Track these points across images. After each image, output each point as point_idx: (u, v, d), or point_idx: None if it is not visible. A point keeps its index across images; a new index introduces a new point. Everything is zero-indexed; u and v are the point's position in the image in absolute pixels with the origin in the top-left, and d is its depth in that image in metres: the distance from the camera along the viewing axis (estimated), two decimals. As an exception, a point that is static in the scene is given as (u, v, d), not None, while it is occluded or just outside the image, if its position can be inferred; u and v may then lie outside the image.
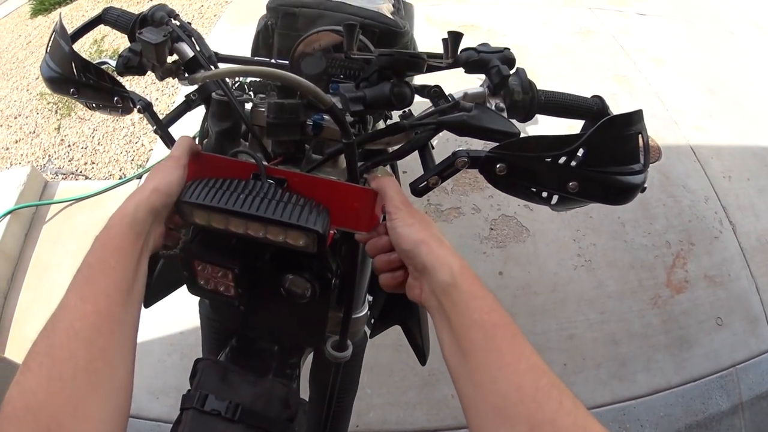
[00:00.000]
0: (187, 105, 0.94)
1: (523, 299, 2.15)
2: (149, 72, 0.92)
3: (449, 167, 0.70)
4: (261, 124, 0.80)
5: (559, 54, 3.14)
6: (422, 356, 1.17)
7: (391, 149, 0.82)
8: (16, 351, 2.16)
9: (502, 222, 2.36)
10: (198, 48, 0.90)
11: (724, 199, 2.57)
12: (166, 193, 0.66)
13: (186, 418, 0.78)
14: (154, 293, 1.03)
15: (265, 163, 0.70)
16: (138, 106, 0.91)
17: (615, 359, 2.05)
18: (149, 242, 0.66)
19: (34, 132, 3.11)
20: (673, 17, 3.62)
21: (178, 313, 2.11)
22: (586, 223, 2.39)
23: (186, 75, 0.91)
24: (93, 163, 2.82)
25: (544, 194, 0.72)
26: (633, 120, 0.67)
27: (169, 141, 0.91)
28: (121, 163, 2.78)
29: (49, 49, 0.93)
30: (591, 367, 2.02)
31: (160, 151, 2.75)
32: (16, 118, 3.26)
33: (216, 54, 0.95)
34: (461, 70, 0.82)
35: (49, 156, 2.92)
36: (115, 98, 0.92)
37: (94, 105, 0.96)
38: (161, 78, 0.91)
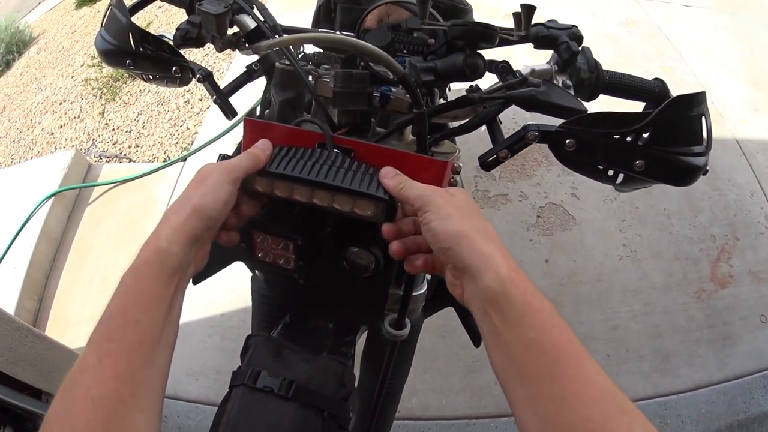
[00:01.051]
0: (249, 75, 0.93)
1: (568, 288, 2.13)
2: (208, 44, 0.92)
3: (519, 141, 0.70)
4: (325, 94, 0.80)
5: (605, 44, 3.10)
6: (477, 338, 1.16)
7: (454, 124, 0.81)
8: (57, 331, 2.22)
9: (549, 210, 2.35)
10: (262, 18, 0.90)
11: (771, 194, 2.52)
12: (211, 216, 0.58)
13: (236, 395, 0.76)
14: (204, 270, 1.03)
15: (331, 132, 0.69)
16: (198, 76, 0.89)
17: (658, 352, 2.02)
18: (187, 273, 0.58)
19: (79, 117, 3.17)
20: (718, 9, 3.55)
21: (220, 295, 2.14)
22: (632, 213, 2.37)
23: (246, 46, 0.90)
24: (137, 146, 2.87)
25: (610, 172, 0.70)
26: (697, 101, 0.66)
27: (228, 111, 0.91)
28: (166, 146, 2.81)
29: (104, 22, 0.92)
30: (634, 359, 2.00)
31: (204, 134, 2.77)
32: (61, 104, 3.33)
33: (279, 25, 0.95)
34: (523, 48, 0.82)
35: (93, 140, 2.98)
36: (174, 68, 0.90)
37: (150, 77, 0.94)
38: (220, 49, 0.90)
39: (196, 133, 2.81)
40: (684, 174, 0.68)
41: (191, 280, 1.00)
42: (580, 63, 0.79)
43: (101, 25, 0.92)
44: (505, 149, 0.71)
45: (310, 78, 0.82)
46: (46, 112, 3.31)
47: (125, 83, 3.22)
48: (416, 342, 1.07)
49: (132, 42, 0.88)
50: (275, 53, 0.87)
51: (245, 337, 0.86)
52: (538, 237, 2.27)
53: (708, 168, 0.69)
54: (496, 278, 0.51)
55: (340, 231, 0.73)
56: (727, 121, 2.77)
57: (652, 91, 0.82)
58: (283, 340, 0.84)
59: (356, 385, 0.93)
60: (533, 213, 2.34)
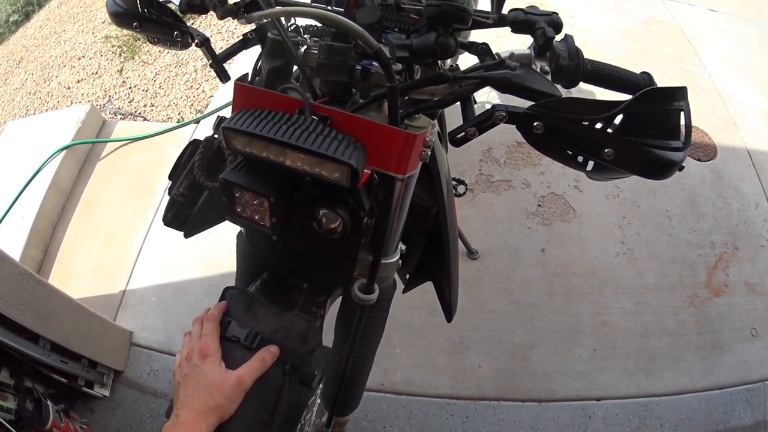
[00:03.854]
0: (244, 43, 1.00)
1: (561, 278, 2.15)
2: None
3: (487, 119, 0.71)
4: (312, 65, 0.82)
5: (625, 41, 3.07)
6: (449, 313, 1.18)
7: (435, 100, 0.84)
8: (60, 281, 2.28)
9: (551, 200, 2.36)
10: None
11: (777, 208, 2.51)
12: (228, 415, 0.75)
13: None
14: (195, 224, 1.06)
15: (311, 100, 0.73)
16: (196, 41, 0.95)
17: (644, 352, 2.03)
18: None
19: (97, 73, 3.20)
20: (745, 17, 3.49)
21: (220, 256, 2.19)
22: (633, 211, 2.37)
23: (245, 15, 0.94)
24: (152, 105, 2.90)
25: (580, 159, 0.71)
26: (676, 95, 0.66)
27: (223, 75, 0.97)
28: (180, 107, 2.85)
29: None
30: (620, 356, 2.01)
31: (219, 98, 2.80)
32: (80, 59, 3.36)
33: None
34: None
35: (110, 96, 3.01)
36: (175, 33, 0.97)
37: (155, 39, 1.02)
38: (221, 17, 0.93)
39: (212, 96, 2.85)
40: (657, 167, 0.68)
41: (183, 233, 1.04)
42: (560, 50, 0.81)
43: None
44: (473, 126, 0.73)
45: (302, 49, 0.86)
46: (64, 66, 3.35)
47: (145, 43, 3.25)
48: (388, 309, 1.10)
49: (139, 6, 0.95)
50: (270, 24, 0.90)
51: (224, 289, 0.91)
52: (536, 225, 2.29)
53: (684, 165, 0.69)
54: None
55: (313, 192, 0.77)
56: (740, 130, 2.75)
57: (636, 83, 0.83)
58: (257, 295, 0.90)
59: (330, 349, 0.97)
60: (534, 201, 2.36)
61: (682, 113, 0.67)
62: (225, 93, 2.80)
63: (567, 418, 1.87)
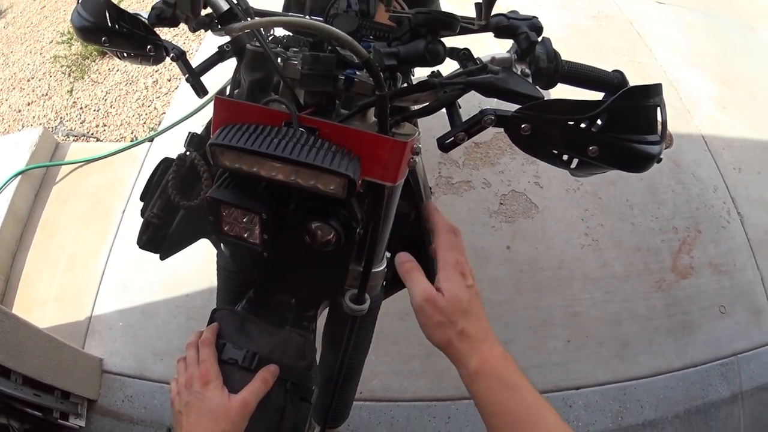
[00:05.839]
0: (220, 56, 0.95)
1: (529, 274, 2.16)
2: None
3: (476, 124, 0.72)
4: (293, 76, 0.81)
5: (576, 37, 3.13)
6: None
7: (416, 107, 0.84)
8: (24, 310, 2.18)
9: (512, 197, 2.37)
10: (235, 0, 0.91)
11: (734, 190, 2.58)
12: None
13: None
14: (172, 245, 1.03)
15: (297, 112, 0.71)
16: (172, 54, 0.91)
17: (618, 339, 2.06)
18: None
19: (47, 94, 3.11)
20: (692, 7, 3.59)
21: (185, 275, 2.14)
22: (594, 203, 2.40)
23: (219, 27, 0.91)
24: (105, 125, 2.83)
25: (565, 157, 0.73)
26: (652, 92, 0.69)
27: (200, 89, 0.93)
28: (133, 126, 2.78)
29: (81, 0, 0.92)
30: (594, 345, 2.03)
31: (172, 114, 2.75)
32: (29, 80, 3.26)
33: (251, 8, 0.96)
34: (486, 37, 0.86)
35: (61, 118, 2.93)
36: (148, 47, 0.90)
37: (125, 54, 0.95)
38: (194, 30, 0.91)
39: (164, 113, 2.79)
40: (637, 161, 0.70)
41: (159, 256, 1.01)
42: (539, 52, 0.82)
43: (78, 2, 0.92)
44: (462, 132, 0.73)
45: (279, 60, 0.84)
46: (14, 88, 3.25)
47: (94, 61, 3.17)
48: (376, 318, 1.11)
49: (108, 19, 0.88)
50: (246, 35, 0.89)
51: (212, 311, 0.89)
52: (500, 224, 2.30)
53: (662, 157, 0.72)
54: (465, 372, 0.68)
55: (303, 206, 0.75)
56: (694, 117, 2.82)
57: (610, 81, 0.84)
58: (247, 314, 0.88)
59: (318, 362, 0.95)
60: (496, 200, 2.37)
61: (658, 108, 0.70)
62: (178, 109, 2.75)
63: (547, 409, 1.87)
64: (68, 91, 3.04)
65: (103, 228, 2.37)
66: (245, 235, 0.77)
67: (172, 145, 2.56)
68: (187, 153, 0.95)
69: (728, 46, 3.38)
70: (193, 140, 0.97)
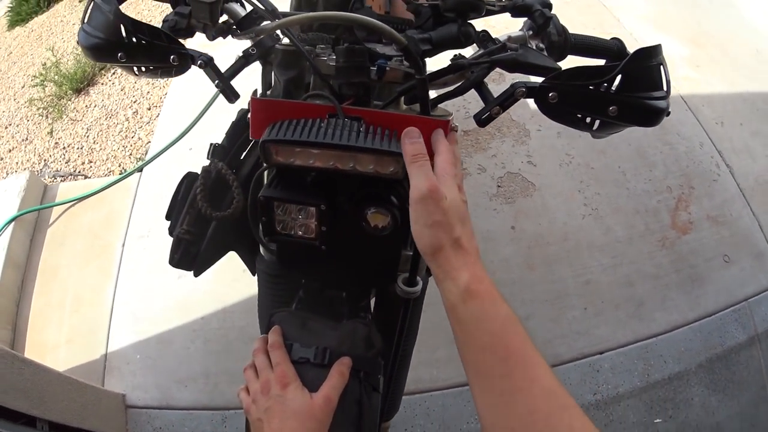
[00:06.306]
0: (246, 60, 0.92)
1: (537, 250, 2.19)
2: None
3: (510, 97, 0.76)
4: (326, 71, 0.83)
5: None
6: None
7: (445, 90, 0.87)
8: (37, 356, 2.12)
9: (508, 179, 2.40)
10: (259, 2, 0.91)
11: (719, 143, 2.63)
12: None
13: None
14: (205, 260, 1.02)
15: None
16: (199, 62, 0.85)
17: (632, 300, 2.10)
18: None
19: (27, 139, 3.09)
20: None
21: (197, 299, 2.12)
22: (588, 174, 2.44)
23: (239, 32, 0.90)
24: (90, 162, 2.81)
25: (588, 120, 0.78)
26: (655, 53, 0.75)
27: (232, 94, 0.88)
28: (120, 158, 2.76)
29: (86, 18, 0.86)
30: (610, 309, 2.07)
31: (157, 142, 2.74)
32: (6, 127, 3.24)
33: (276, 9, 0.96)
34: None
35: (45, 160, 2.91)
36: (171, 57, 0.84)
37: (143, 69, 0.89)
38: (212, 38, 0.90)
39: (149, 142, 2.78)
40: (651, 115, 0.76)
41: (192, 273, 1.00)
42: (550, 28, 0.89)
43: (82, 21, 0.87)
44: (497, 106, 0.77)
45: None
46: (-8, 138, 3.22)
47: (70, 100, 3.15)
48: (423, 302, 1.09)
49: (124, 33, 0.82)
50: (269, 37, 0.89)
51: (269, 316, 0.88)
52: (501, 206, 2.32)
53: (670, 110, 0.78)
54: (455, 289, 0.60)
55: (358, 193, 0.76)
56: (671, 79, 2.85)
57: (611, 49, 0.92)
58: (305, 313, 0.88)
59: None
60: (493, 183, 2.39)
61: (661, 67, 0.76)
62: (163, 136, 2.74)
63: (577, 376, 1.92)
64: (48, 133, 3.02)
65: (105, 264, 2.35)
66: (300, 232, 0.78)
67: (163, 172, 2.56)
68: (212, 164, 0.94)
69: (694, 7, 3.43)
70: (216, 151, 0.97)
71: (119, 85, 3.15)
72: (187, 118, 2.72)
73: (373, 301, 1.09)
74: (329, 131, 0.67)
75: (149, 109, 2.96)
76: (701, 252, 2.25)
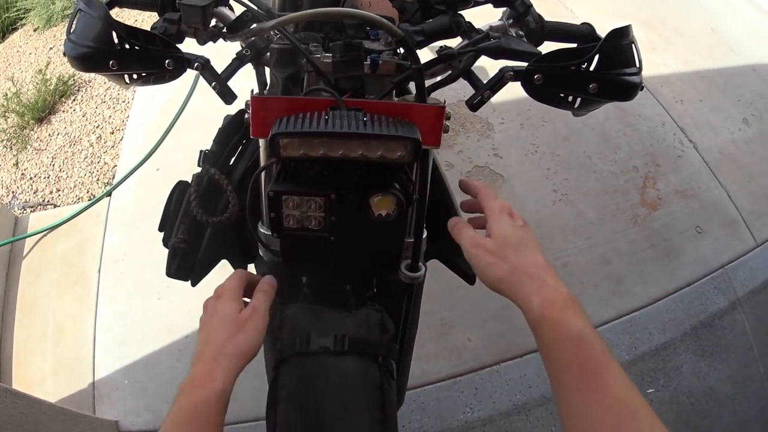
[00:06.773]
0: (240, 61, 0.91)
1: (512, 239, 2.19)
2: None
3: (499, 81, 0.81)
4: (322, 67, 0.86)
5: (497, 12, 3.20)
6: (469, 277, 1.16)
7: (436, 78, 0.92)
8: (25, 391, 2.09)
9: (477, 172, 2.43)
10: (252, 3, 0.91)
11: (680, 120, 2.71)
12: (253, 354, 0.71)
13: (290, 368, 0.80)
14: (203, 268, 1.00)
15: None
16: (196, 65, 0.83)
17: (611, 278, 2.14)
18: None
19: (-8, 173, 3.04)
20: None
21: (178, 318, 2.11)
22: (554, 161, 2.49)
23: (231, 34, 0.91)
24: (59, 190, 2.77)
25: (570, 98, 0.83)
26: (626, 32, 0.80)
27: (229, 95, 0.87)
28: (87, 184, 2.73)
29: (73, 27, 0.83)
30: (590, 288, 2.11)
31: (124, 165, 2.73)
32: (-33, 164, 3.17)
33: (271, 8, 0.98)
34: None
35: (13, 192, 2.86)
36: (167, 61, 0.81)
37: (134, 76, 0.85)
38: (203, 42, 0.90)
39: (115, 166, 2.75)
40: (627, 90, 0.81)
41: (190, 283, 1.00)
42: (528, 16, 0.95)
43: (68, 32, 0.83)
44: (488, 90, 0.82)
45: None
46: (-46, 175, 3.15)
47: (33, 130, 3.10)
48: (422, 291, 1.09)
49: (116, 39, 0.79)
50: (262, 38, 0.90)
51: (279, 311, 0.87)
52: (471, 199, 2.33)
53: (644, 85, 0.83)
54: (531, 314, 0.66)
55: (363, 181, 0.78)
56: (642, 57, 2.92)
57: (583, 33, 0.97)
58: (315, 305, 0.89)
59: None
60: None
61: (633, 45, 0.81)
62: (129, 159, 2.73)
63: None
64: (14, 164, 2.97)
65: (83, 291, 2.32)
66: (309, 225, 0.79)
67: (132, 195, 2.54)
68: (204, 170, 0.95)
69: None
70: (207, 157, 0.98)
71: (80, 111, 3.11)
72: (151, 139, 2.70)
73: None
74: (337, 122, 0.69)
75: (112, 132, 2.93)
76: (673, 225, 2.31)
